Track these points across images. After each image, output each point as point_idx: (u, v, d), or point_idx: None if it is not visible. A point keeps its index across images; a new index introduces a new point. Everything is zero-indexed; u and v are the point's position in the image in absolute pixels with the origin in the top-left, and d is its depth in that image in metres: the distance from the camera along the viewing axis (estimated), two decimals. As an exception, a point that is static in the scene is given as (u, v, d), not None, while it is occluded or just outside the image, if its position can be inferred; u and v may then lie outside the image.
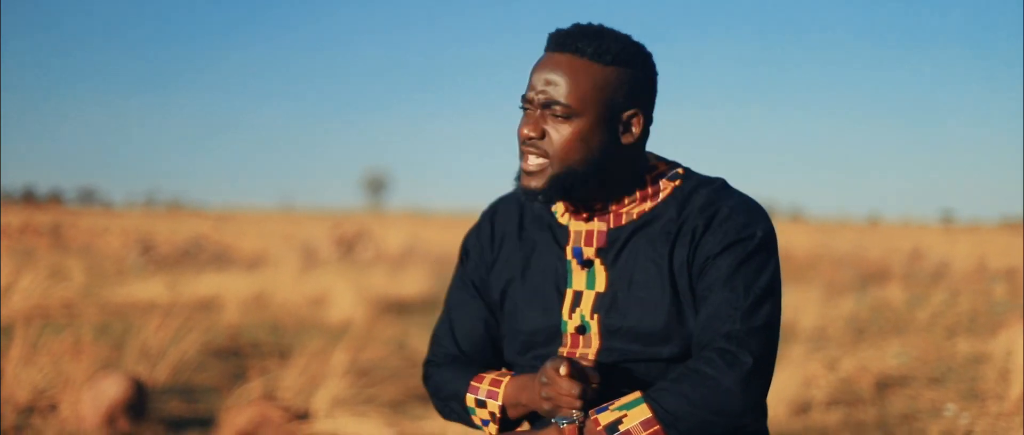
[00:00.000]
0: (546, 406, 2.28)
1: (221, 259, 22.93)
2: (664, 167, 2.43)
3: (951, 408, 8.13)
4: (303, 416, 6.84)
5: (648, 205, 2.37)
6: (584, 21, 2.28)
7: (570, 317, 2.37)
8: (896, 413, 7.98)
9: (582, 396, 2.21)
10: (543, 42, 2.34)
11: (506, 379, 2.43)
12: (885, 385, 8.90)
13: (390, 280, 17.03)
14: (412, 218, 72.71)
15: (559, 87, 2.27)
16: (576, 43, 2.30)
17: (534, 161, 2.32)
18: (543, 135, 2.30)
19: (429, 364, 2.60)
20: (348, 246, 27.06)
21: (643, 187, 2.39)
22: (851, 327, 12.71)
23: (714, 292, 2.28)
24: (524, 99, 2.35)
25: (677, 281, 2.32)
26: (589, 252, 2.38)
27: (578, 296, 2.37)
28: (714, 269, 2.29)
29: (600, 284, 2.36)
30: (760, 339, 2.25)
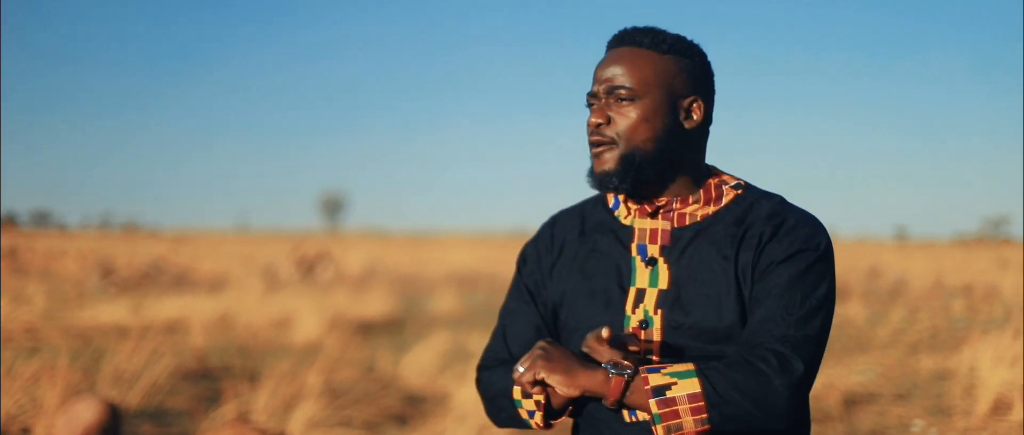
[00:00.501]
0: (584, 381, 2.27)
1: (182, 281, 22.82)
2: (726, 177, 2.50)
3: (918, 424, 8.23)
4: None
5: (711, 209, 2.43)
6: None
7: (633, 313, 2.41)
8: (864, 430, 8.07)
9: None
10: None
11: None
12: (852, 402, 8.99)
13: (353, 301, 17.02)
14: (369, 239, 72.47)
15: (621, 74, 2.38)
16: (633, 37, 2.41)
17: (602, 148, 2.40)
18: (609, 121, 2.39)
19: (480, 369, 2.62)
20: (308, 267, 26.98)
21: (707, 190, 2.46)
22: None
23: (772, 296, 2.33)
24: (589, 95, 2.44)
25: (741, 283, 2.37)
26: (653, 250, 2.43)
27: (641, 293, 2.41)
28: (775, 275, 2.34)
29: (663, 281, 2.40)
30: (812, 348, 2.30)
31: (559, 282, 2.54)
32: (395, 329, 14.99)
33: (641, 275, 2.43)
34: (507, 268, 25.79)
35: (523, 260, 2.65)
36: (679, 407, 2.22)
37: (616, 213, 2.51)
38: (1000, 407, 8.54)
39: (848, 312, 16.84)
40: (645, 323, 2.39)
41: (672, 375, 2.24)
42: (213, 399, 8.02)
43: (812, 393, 8.85)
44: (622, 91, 2.37)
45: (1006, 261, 32.95)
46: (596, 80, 2.43)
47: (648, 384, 2.24)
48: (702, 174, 2.48)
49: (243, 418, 7.21)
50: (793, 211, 2.43)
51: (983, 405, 8.40)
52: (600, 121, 2.39)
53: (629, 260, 2.45)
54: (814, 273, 2.36)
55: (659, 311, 2.39)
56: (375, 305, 16.76)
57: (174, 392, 8.56)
